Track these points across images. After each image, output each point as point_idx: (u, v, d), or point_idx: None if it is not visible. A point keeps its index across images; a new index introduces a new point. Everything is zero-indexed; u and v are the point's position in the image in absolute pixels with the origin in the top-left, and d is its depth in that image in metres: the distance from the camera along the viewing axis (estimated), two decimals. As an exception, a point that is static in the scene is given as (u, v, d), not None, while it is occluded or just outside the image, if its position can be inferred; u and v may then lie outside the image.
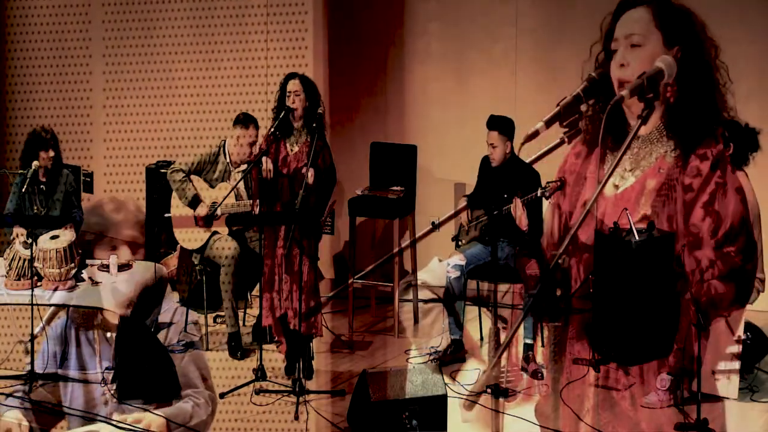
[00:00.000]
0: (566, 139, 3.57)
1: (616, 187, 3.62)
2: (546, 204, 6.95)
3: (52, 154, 7.52)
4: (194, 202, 7.44)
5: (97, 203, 4.36)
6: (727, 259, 3.66)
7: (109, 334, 4.38)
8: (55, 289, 6.65)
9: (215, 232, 7.50)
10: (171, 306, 4.47)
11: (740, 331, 6.63)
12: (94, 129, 8.38)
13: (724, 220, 3.59)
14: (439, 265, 8.74)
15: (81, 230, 4.85)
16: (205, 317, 7.58)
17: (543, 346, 7.24)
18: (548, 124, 3.48)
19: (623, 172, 3.38)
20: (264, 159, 6.95)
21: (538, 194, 6.83)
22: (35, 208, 7.57)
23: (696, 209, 3.59)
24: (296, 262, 6.91)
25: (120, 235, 4.32)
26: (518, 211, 6.88)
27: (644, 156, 3.47)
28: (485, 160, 7.37)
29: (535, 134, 3.43)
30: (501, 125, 7.13)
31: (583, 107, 3.48)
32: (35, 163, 7.52)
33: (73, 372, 4.36)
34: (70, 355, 4.39)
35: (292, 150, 7.03)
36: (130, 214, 4.29)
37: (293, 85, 6.97)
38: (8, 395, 4.35)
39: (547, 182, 6.88)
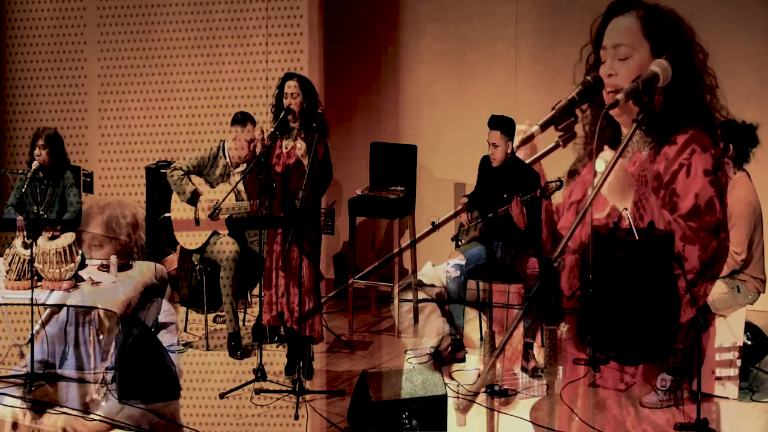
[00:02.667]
0: (561, 143, 3.57)
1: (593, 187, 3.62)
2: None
3: (42, 152, 7.53)
4: (193, 198, 7.46)
5: (89, 207, 4.38)
6: (690, 234, 3.68)
7: (104, 335, 4.39)
8: (52, 290, 6.66)
9: (215, 233, 7.51)
10: (171, 306, 4.49)
11: (740, 333, 6.63)
12: (89, 132, 8.39)
13: (685, 197, 3.60)
14: (432, 269, 8.75)
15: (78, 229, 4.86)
16: (205, 317, 7.58)
17: (543, 345, 7.25)
18: (543, 127, 3.49)
19: (603, 174, 3.39)
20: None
21: (537, 194, 6.85)
22: (34, 208, 7.58)
23: (660, 192, 3.62)
24: (294, 260, 6.92)
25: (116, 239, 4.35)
26: (515, 210, 6.90)
27: (624, 156, 3.50)
28: (485, 160, 7.38)
29: (530, 138, 3.44)
30: (503, 125, 7.14)
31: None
32: (35, 163, 7.54)
33: (70, 371, 4.38)
34: (68, 354, 4.41)
35: (286, 148, 7.04)
36: (123, 219, 4.31)
37: (290, 86, 6.98)
38: (6, 395, 4.37)
39: (546, 182, 6.89)
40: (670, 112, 3.38)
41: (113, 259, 6.91)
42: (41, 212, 7.56)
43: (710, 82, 3.66)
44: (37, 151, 7.55)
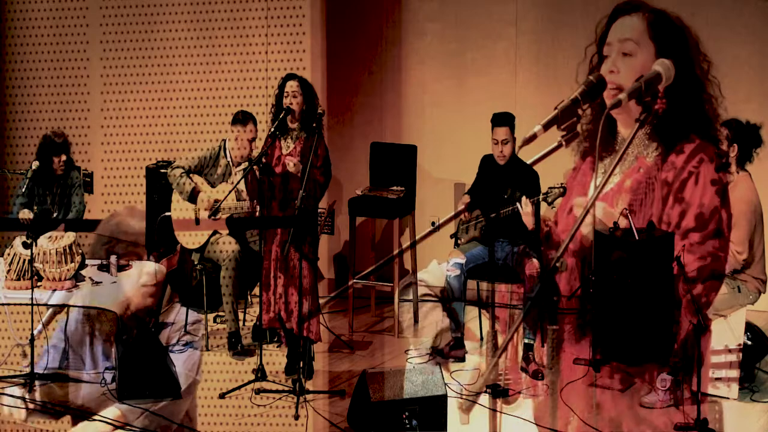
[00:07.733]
0: (564, 143, 3.57)
1: (596, 187, 3.64)
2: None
3: (64, 158, 7.61)
4: (192, 195, 7.46)
5: (114, 213, 4.39)
6: (696, 246, 3.70)
7: (103, 335, 4.39)
8: (54, 290, 6.65)
9: (215, 232, 7.51)
10: (171, 306, 4.50)
11: (740, 333, 6.64)
12: (91, 132, 8.39)
13: (692, 206, 3.62)
14: (438, 267, 8.75)
15: (98, 235, 4.86)
16: (205, 317, 7.58)
17: (543, 346, 7.24)
18: (546, 127, 3.48)
19: (605, 174, 3.40)
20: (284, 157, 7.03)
21: (540, 198, 6.84)
22: (35, 207, 7.57)
23: (669, 199, 3.64)
24: (292, 261, 6.93)
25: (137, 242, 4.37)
26: (527, 210, 6.89)
27: (625, 158, 3.52)
28: (485, 160, 7.37)
29: (533, 138, 3.44)
30: (510, 121, 7.18)
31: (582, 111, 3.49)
32: (35, 163, 7.54)
33: (86, 370, 4.38)
34: (84, 353, 4.40)
35: (287, 149, 7.05)
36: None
37: (291, 87, 6.99)
38: (7, 395, 4.37)
39: (549, 188, 6.88)
40: (673, 118, 3.39)
41: (113, 259, 6.90)
42: (54, 212, 7.58)
43: (712, 91, 3.66)
44: (62, 157, 7.59)
